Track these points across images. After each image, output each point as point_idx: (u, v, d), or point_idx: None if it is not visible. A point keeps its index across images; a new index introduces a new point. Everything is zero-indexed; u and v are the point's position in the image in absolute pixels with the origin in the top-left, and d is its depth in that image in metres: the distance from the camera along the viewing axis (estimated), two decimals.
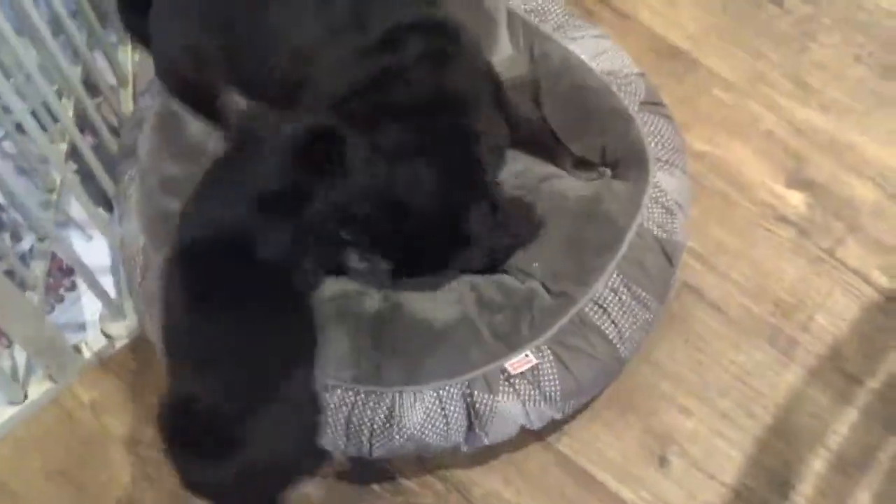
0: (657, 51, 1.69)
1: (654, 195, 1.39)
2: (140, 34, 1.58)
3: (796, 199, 1.58)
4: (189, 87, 1.46)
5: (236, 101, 1.33)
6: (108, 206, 1.60)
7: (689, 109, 1.64)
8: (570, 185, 1.44)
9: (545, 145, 1.48)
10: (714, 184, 1.59)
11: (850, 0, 1.71)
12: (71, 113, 1.56)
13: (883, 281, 1.52)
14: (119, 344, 1.53)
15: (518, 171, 1.47)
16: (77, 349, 1.51)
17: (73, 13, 1.59)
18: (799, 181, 1.59)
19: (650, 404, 1.46)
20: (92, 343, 1.52)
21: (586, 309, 1.31)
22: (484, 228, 1.27)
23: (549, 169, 1.48)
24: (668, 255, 1.38)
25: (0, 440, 1.48)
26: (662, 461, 1.42)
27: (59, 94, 1.55)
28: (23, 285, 1.50)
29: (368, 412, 1.27)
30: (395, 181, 1.22)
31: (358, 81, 1.28)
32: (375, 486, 1.43)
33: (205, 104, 1.44)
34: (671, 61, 1.68)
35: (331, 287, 1.36)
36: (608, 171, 1.44)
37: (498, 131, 1.35)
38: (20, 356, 1.49)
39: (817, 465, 1.41)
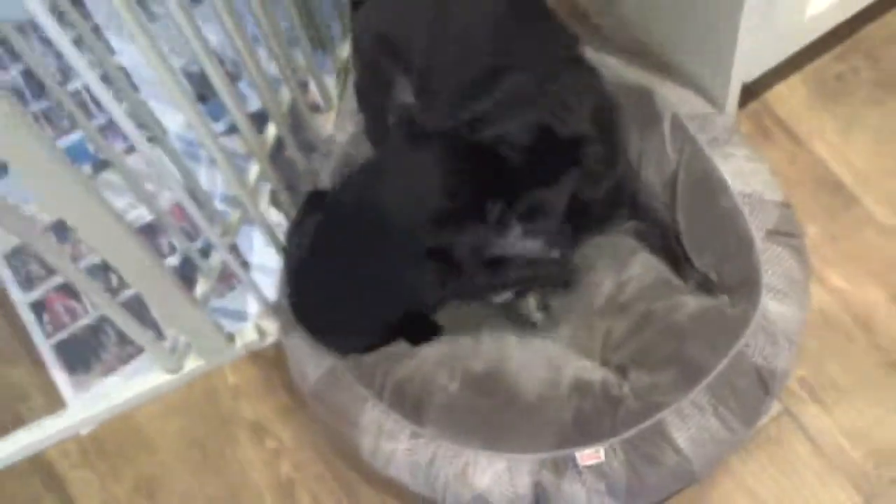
0: (820, 181, 1.65)
1: (760, 324, 1.38)
2: None
3: None
4: (371, 68, 1.50)
5: (403, 91, 1.39)
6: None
7: (836, 246, 1.61)
8: (685, 300, 1.43)
9: (672, 251, 1.49)
10: (842, 321, 1.56)
11: None
12: (274, 129, 1.65)
13: None
14: (268, 341, 1.61)
15: (635, 276, 1.50)
16: (231, 338, 1.60)
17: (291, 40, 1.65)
18: None
19: None
20: (245, 334, 1.61)
21: (667, 419, 1.32)
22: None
23: (671, 278, 1.48)
24: (765, 382, 1.36)
25: (152, 401, 1.60)
26: None
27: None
28: (197, 273, 1.61)
29: (447, 463, 1.32)
30: None
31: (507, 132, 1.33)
32: None
33: (378, 89, 1.47)
34: (831, 195, 1.64)
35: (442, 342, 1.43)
36: (726, 299, 1.42)
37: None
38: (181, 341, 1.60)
39: None
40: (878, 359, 1.54)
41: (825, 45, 1.73)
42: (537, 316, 1.51)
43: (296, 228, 1.41)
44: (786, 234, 1.47)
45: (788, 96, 1.73)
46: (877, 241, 1.62)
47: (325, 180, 1.56)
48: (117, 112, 1.22)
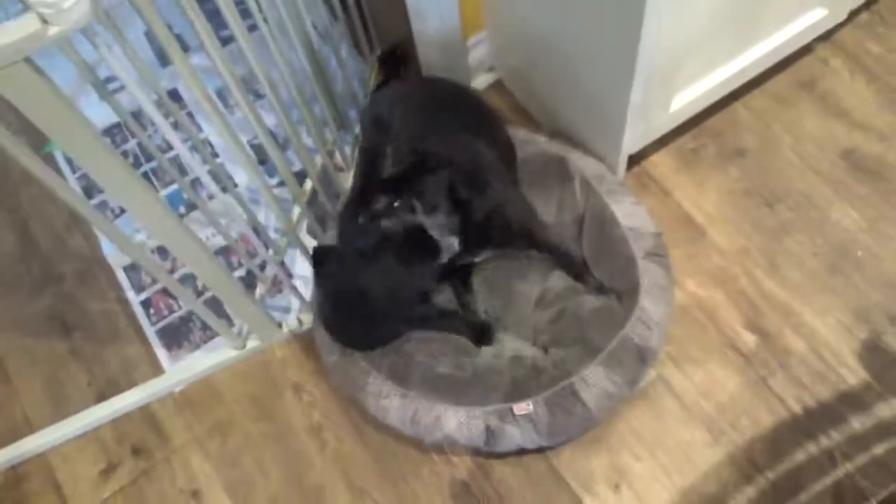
0: (680, 220, 1.65)
1: (639, 315, 1.39)
2: None
3: (748, 338, 1.52)
4: (371, 143, 1.51)
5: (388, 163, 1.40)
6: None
7: (691, 263, 1.60)
8: (587, 299, 1.45)
9: (578, 269, 1.50)
10: (696, 315, 1.56)
11: (820, 213, 1.64)
12: (310, 183, 1.65)
13: (795, 406, 1.46)
14: (305, 327, 1.61)
15: (554, 285, 1.50)
16: (279, 325, 1.59)
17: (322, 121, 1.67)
18: (754, 326, 1.54)
19: (616, 445, 1.44)
20: (290, 323, 1.61)
21: (576, 383, 1.33)
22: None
23: (577, 285, 1.50)
24: (642, 357, 1.37)
25: (224, 369, 1.59)
26: (616, 487, 1.41)
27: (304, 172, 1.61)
28: (256, 280, 1.59)
29: (425, 415, 1.33)
30: None
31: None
32: (434, 455, 1.47)
33: (376, 156, 1.47)
34: (688, 229, 1.64)
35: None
36: (614, 295, 1.45)
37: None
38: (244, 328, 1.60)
39: None
40: (722, 341, 1.54)
41: (684, 129, 1.73)
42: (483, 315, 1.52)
43: (317, 274, 1.40)
44: (658, 254, 1.49)
45: (659, 163, 1.73)
46: (718, 261, 1.61)
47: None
48: (201, 171, 1.22)
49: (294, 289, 1.58)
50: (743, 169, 1.71)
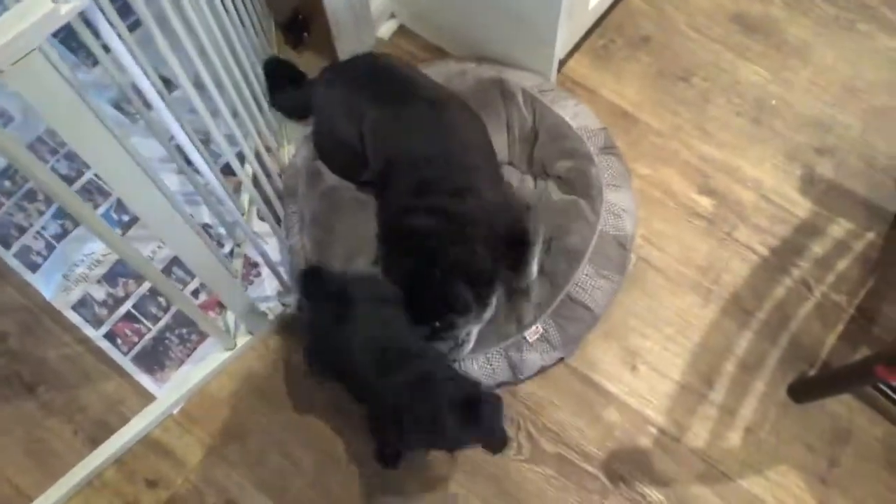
0: (613, 113, 1.70)
1: (607, 208, 1.43)
2: (282, 109, 1.61)
3: (705, 202, 1.60)
4: (335, 162, 1.50)
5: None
6: (278, 221, 1.56)
7: (635, 149, 1.66)
8: (553, 201, 1.47)
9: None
10: (654, 194, 1.62)
11: (730, 76, 1.74)
12: (253, 165, 1.54)
13: (763, 250, 1.56)
14: (289, 310, 1.53)
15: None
16: (265, 314, 1.52)
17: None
18: (706, 190, 1.61)
19: (623, 333, 1.49)
20: (273, 309, 1.54)
21: (572, 291, 1.35)
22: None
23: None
24: (622, 244, 1.42)
25: (219, 374, 1.50)
26: (633, 368, 1.47)
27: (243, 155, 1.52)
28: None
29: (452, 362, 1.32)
30: None
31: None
32: None
33: (341, 172, 1.49)
34: (622, 120, 1.70)
35: None
36: (581, 200, 1.44)
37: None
38: (230, 319, 1.51)
39: (728, 366, 1.46)
40: (683, 210, 1.61)
41: (590, 30, 1.77)
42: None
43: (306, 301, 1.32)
44: (610, 148, 1.53)
45: (576, 66, 1.77)
46: (657, 141, 1.68)
47: (301, 189, 1.50)
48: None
49: (274, 271, 1.50)
50: (652, 53, 1.78)
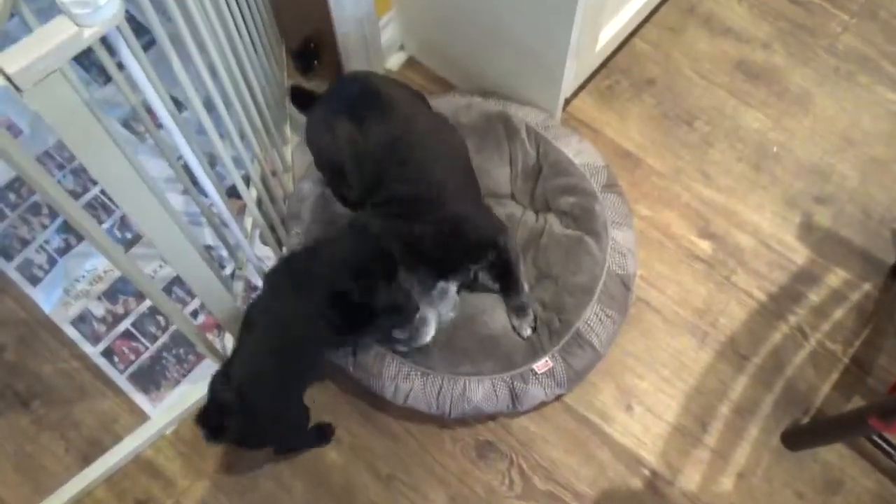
0: (615, 153, 1.71)
1: (612, 246, 1.42)
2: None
3: (705, 245, 1.60)
4: (331, 179, 1.46)
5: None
6: (280, 245, 1.55)
7: (637, 190, 1.66)
8: (556, 236, 1.47)
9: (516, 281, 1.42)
10: (654, 235, 1.62)
11: (732, 122, 1.74)
12: (258, 189, 1.53)
13: (760, 295, 1.56)
14: None
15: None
16: None
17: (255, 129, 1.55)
18: (706, 234, 1.62)
19: (619, 372, 1.48)
20: None
21: (581, 328, 1.35)
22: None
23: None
24: (626, 284, 1.42)
25: None
26: (628, 408, 1.46)
27: (249, 178, 1.51)
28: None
29: (450, 389, 1.31)
30: None
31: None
32: (452, 424, 1.44)
33: (336, 194, 1.46)
34: (625, 159, 1.70)
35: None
36: (586, 236, 1.44)
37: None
38: (228, 341, 1.50)
39: (723, 410, 1.45)
40: (682, 252, 1.61)
41: (595, 71, 1.78)
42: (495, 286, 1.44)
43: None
44: (612, 186, 1.53)
45: (581, 105, 1.78)
46: (659, 182, 1.69)
47: (307, 214, 1.50)
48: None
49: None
50: (656, 96, 1.79)
